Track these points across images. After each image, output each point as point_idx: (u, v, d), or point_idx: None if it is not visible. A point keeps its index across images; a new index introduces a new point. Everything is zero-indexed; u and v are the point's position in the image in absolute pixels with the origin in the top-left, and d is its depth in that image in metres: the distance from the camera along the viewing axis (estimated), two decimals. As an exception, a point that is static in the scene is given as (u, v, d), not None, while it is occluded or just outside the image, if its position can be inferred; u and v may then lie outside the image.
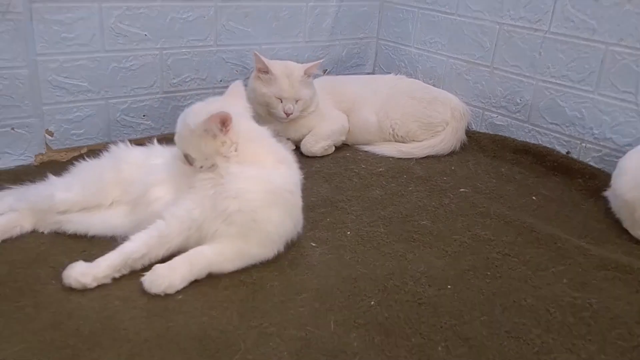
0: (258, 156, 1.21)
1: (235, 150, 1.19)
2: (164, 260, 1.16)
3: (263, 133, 1.29)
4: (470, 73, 2.09)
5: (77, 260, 1.18)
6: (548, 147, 1.88)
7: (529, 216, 1.52)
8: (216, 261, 1.16)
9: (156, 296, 1.09)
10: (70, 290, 1.10)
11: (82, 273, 1.09)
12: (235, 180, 1.16)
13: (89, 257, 1.19)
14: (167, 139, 1.49)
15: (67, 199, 1.27)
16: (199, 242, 1.18)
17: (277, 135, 1.37)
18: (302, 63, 1.86)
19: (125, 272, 1.14)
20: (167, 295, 1.10)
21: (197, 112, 1.19)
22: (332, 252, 1.30)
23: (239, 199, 1.15)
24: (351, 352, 0.99)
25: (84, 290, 1.10)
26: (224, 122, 1.16)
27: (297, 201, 1.26)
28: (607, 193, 1.57)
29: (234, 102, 1.29)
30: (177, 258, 1.14)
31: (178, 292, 1.11)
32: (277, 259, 1.24)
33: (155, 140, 1.43)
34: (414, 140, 1.93)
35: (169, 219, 1.17)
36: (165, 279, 1.09)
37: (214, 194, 1.16)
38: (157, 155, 1.35)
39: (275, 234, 1.21)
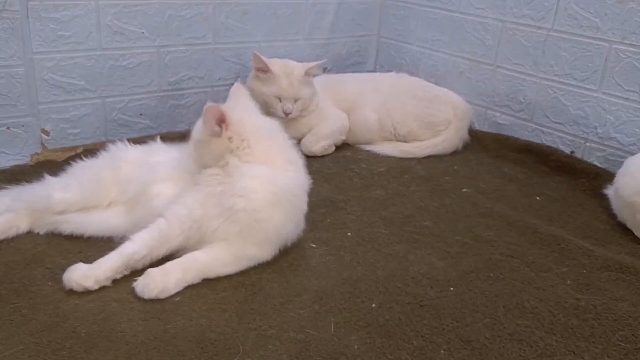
0: (268, 155, 1.20)
1: (248, 147, 1.18)
2: (164, 259, 1.15)
3: (274, 130, 1.27)
4: (472, 71, 2.08)
5: (73, 261, 1.17)
6: (551, 147, 1.87)
7: (532, 217, 1.51)
8: (211, 266, 1.15)
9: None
10: (67, 291, 1.09)
11: (83, 276, 1.08)
12: (243, 178, 1.15)
13: (86, 258, 1.18)
14: (166, 138, 1.48)
15: (65, 200, 1.26)
16: (199, 241, 1.17)
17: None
18: (301, 61, 1.85)
19: (126, 272, 1.12)
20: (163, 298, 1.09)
21: (199, 125, 1.20)
22: (332, 253, 1.29)
23: (244, 197, 1.14)
24: (351, 354, 0.98)
25: (81, 292, 1.08)
26: (220, 117, 1.15)
27: (301, 205, 1.25)
28: (609, 191, 1.56)
29: (238, 103, 1.28)
30: (171, 263, 1.13)
31: (175, 294, 1.10)
32: (276, 261, 1.22)
33: (158, 138, 1.41)
34: (415, 140, 1.92)
35: (170, 218, 1.15)
36: (159, 283, 1.08)
37: (220, 191, 1.16)
38: (160, 153, 1.33)
39: (275, 235, 1.20)
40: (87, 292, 1.08)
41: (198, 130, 1.20)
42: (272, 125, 1.28)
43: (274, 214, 1.16)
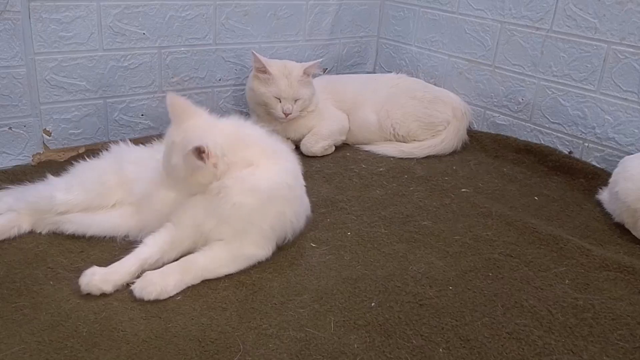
0: (247, 159, 1.18)
1: (230, 160, 1.16)
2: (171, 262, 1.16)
3: (242, 129, 1.23)
4: (471, 72, 2.08)
5: (75, 260, 1.18)
6: (550, 147, 1.88)
7: (530, 216, 1.51)
8: (210, 267, 1.15)
9: (154, 298, 1.09)
10: (69, 291, 1.09)
11: (102, 280, 1.08)
12: (230, 193, 1.14)
13: (87, 258, 1.19)
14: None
15: (68, 201, 1.26)
16: (206, 244, 1.17)
17: (277, 134, 1.35)
18: (301, 62, 1.85)
19: (140, 276, 1.12)
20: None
21: (174, 162, 1.16)
22: (332, 252, 1.30)
23: (235, 207, 1.14)
24: (351, 353, 0.99)
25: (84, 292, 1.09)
26: (199, 151, 1.12)
27: (296, 193, 1.24)
28: (602, 196, 1.55)
29: (186, 117, 1.19)
30: (170, 265, 1.13)
31: (177, 293, 1.11)
32: (276, 260, 1.23)
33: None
34: (414, 140, 1.92)
35: (179, 223, 1.16)
36: (157, 286, 1.08)
37: (212, 203, 1.15)
38: None
39: (271, 232, 1.20)
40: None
41: (178, 168, 1.15)
42: (237, 124, 1.24)
43: (266, 213, 1.17)
